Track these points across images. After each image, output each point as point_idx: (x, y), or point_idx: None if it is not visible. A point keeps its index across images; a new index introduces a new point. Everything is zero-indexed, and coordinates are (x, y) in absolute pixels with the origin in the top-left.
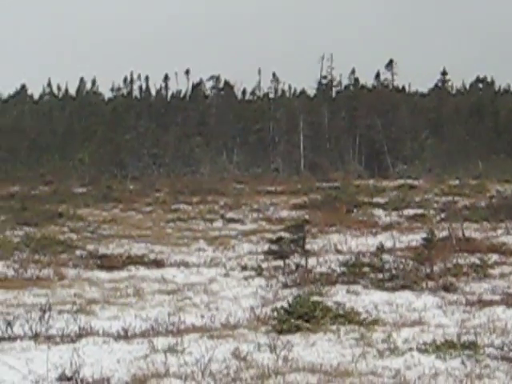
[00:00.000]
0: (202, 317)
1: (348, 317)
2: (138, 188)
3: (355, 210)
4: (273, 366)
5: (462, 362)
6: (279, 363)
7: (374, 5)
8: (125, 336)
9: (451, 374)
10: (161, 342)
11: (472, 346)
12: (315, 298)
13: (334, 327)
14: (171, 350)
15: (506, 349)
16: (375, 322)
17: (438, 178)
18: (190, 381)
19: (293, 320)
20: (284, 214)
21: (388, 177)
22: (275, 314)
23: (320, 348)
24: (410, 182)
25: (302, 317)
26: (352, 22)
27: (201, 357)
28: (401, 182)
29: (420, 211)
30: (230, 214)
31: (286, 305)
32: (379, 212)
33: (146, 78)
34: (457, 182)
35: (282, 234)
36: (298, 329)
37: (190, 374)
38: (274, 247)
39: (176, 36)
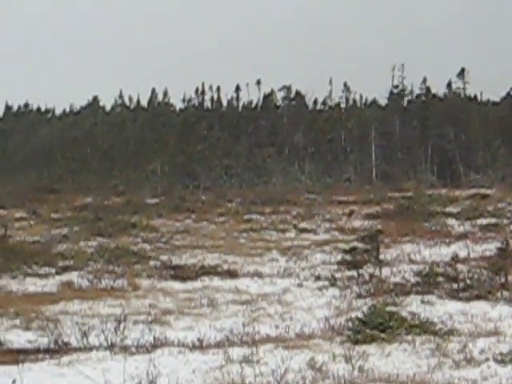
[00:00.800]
0: (277, 327)
1: (423, 327)
2: (210, 198)
3: (428, 220)
4: (349, 376)
5: None
6: (355, 374)
7: (446, 13)
8: (200, 346)
9: None
10: (236, 352)
11: None
12: (390, 309)
13: (409, 337)
14: (246, 360)
15: None
16: (451, 332)
17: (511, 187)
18: None
19: (368, 330)
20: (356, 224)
21: (460, 186)
22: (350, 324)
23: (395, 358)
24: (482, 191)
25: (376, 327)
26: (423, 31)
27: (276, 367)
28: (473, 191)
29: (493, 220)
30: (302, 224)
31: (360, 315)
32: (452, 222)
33: (218, 89)
34: None
35: (356, 243)
36: (373, 339)
37: None
38: (348, 257)
39: (247, 47)
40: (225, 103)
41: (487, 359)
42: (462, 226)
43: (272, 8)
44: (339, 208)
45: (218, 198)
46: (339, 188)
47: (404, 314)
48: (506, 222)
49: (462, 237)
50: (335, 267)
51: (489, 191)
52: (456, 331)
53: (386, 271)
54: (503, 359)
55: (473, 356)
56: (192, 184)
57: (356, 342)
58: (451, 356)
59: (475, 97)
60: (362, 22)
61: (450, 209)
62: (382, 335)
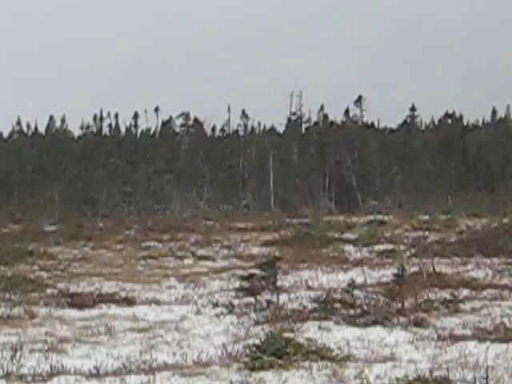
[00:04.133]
0: (174, 354)
1: (320, 353)
2: (108, 226)
3: (326, 246)
4: None
5: None
6: None
7: (342, 41)
8: (97, 374)
9: None
10: (133, 380)
11: (445, 381)
12: (287, 335)
13: (306, 364)
14: None
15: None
16: (347, 358)
17: (408, 213)
18: None
19: (265, 357)
20: (255, 250)
21: (358, 213)
22: (247, 351)
23: None
24: (380, 217)
25: (274, 354)
26: (321, 58)
27: None
28: (371, 217)
29: (390, 247)
30: (200, 251)
31: (258, 342)
32: (350, 248)
33: (116, 116)
34: (427, 217)
35: (254, 270)
36: (270, 366)
37: None
38: (246, 284)
39: (145, 73)
40: (123, 130)
41: None
42: (359, 252)
43: (169, 33)
44: (238, 235)
45: (117, 226)
46: (238, 215)
47: (301, 340)
48: (403, 247)
49: (359, 263)
50: (233, 294)
51: (386, 217)
52: (352, 357)
53: (283, 298)
54: None
55: (369, 381)
56: (90, 211)
57: (253, 369)
58: (348, 382)
59: (372, 124)
60: (260, 48)
61: (348, 235)
62: (279, 361)
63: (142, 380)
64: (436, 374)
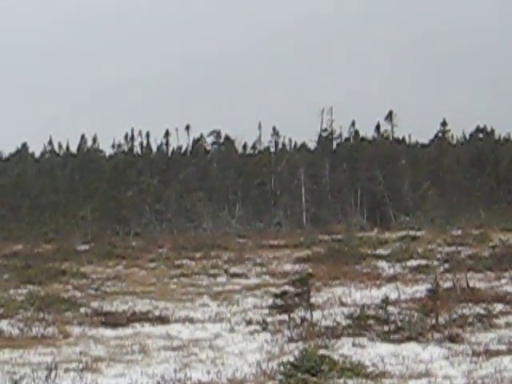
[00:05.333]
0: (208, 372)
1: (355, 370)
2: (140, 244)
3: (359, 263)
4: None
5: None
6: None
7: (372, 56)
8: None
9: None
10: None
11: None
12: (321, 352)
13: (341, 381)
14: None
15: None
16: (382, 374)
17: (441, 228)
18: None
19: (299, 374)
20: (287, 267)
21: (390, 228)
22: (282, 368)
23: None
24: (412, 233)
25: (308, 371)
26: (351, 74)
27: None
28: (403, 233)
29: (423, 262)
30: (233, 269)
31: (292, 359)
32: (382, 264)
33: (147, 135)
34: (459, 232)
35: (287, 287)
36: (305, 383)
37: None
38: (279, 301)
39: (176, 91)
40: (154, 149)
41: None
42: (392, 268)
43: (198, 52)
44: (270, 252)
45: (149, 244)
46: (270, 232)
47: (335, 357)
48: (436, 263)
49: (393, 279)
50: (266, 311)
51: (418, 233)
52: (387, 373)
53: (317, 314)
54: None
55: None
56: (122, 230)
57: None
58: None
59: (403, 139)
60: (289, 64)
61: (380, 251)
62: (314, 379)
63: None
64: None
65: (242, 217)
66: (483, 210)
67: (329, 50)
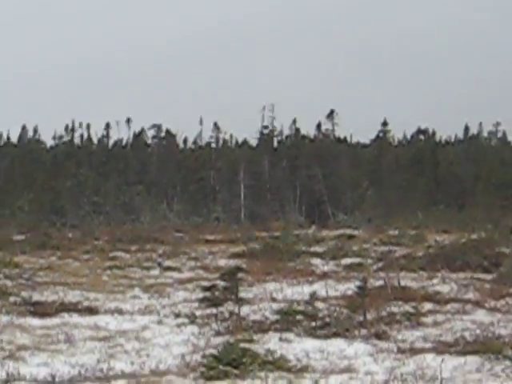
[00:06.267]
0: (132, 363)
1: (277, 364)
2: (77, 236)
3: (293, 259)
4: None
5: None
6: None
7: (315, 56)
8: (52, 382)
9: None
10: None
11: None
12: (244, 345)
13: (262, 374)
14: None
15: None
16: (305, 369)
17: (378, 228)
18: None
19: (221, 367)
20: (222, 262)
21: (328, 226)
22: (205, 360)
23: None
24: (349, 231)
25: (230, 363)
26: (293, 73)
27: None
28: (340, 231)
29: (357, 260)
30: (167, 263)
31: (215, 352)
32: (317, 261)
33: (88, 127)
34: (396, 232)
35: (218, 282)
36: (226, 375)
37: None
38: (207, 295)
39: (118, 85)
40: (95, 141)
41: None
42: (326, 266)
43: (140, 46)
44: (206, 247)
45: (85, 236)
46: (207, 227)
47: (261, 351)
48: (370, 261)
49: (325, 276)
50: (196, 305)
51: (355, 232)
52: (310, 368)
53: (247, 309)
54: None
55: None
56: (60, 221)
57: (209, 379)
58: None
59: (345, 139)
60: (233, 62)
61: (316, 248)
62: (235, 371)
63: None
64: None
65: (180, 211)
66: (421, 211)
67: (273, 47)
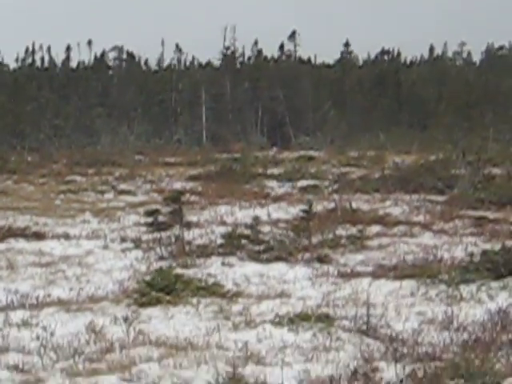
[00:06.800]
0: (71, 290)
1: (211, 289)
2: (35, 160)
3: (250, 182)
4: (125, 338)
5: (314, 335)
6: (131, 337)
7: None
8: None
9: (300, 347)
10: (17, 315)
11: (326, 318)
12: (179, 271)
13: (194, 300)
14: (25, 324)
15: (360, 321)
16: (238, 294)
17: (339, 149)
18: (33, 355)
19: (154, 293)
20: (178, 185)
21: (290, 148)
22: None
23: (177, 321)
24: (310, 153)
25: (163, 289)
26: None
27: (53, 331)
28: (301, 153)
29: (314, 182)
30: (122, 186)
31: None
32: (273, 183)
33: (48, 49)
34: (356, 153)
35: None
36: (158, 301)
37: (35, 347)
38: (149, 219)
39: (77, 5)
40: (57, 63)
41: (265, 321)
42: (282, 188)
43: None
44: (164, 170)
45: (44, 160)
46: (169, 149)
47: (201, 275)
48: (326, 183)
49: (280, 198)
50: (145, 229)
51: (316, 153)
52: (246, 294)
53: (195, 233)
54: (280, 321)
55: (253, 318)
56: (20, 145)
57: (142, 305)
58: (232, 319)
59: (309, 60)
60: None
61: (274, 170)
62: (167, 298)
63: (24, 315)
64: (322, 310)
65: (141, 134)
66: (383, 132)
67: None
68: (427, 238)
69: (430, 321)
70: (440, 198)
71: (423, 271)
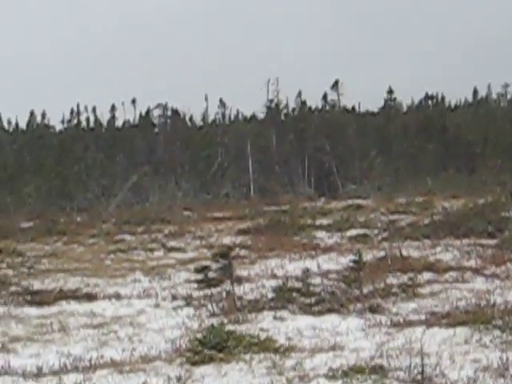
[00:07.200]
0: (124, 350)
1: (263, 345)
2: (84, 220)
3: (298, 233)
4: None
5: None
6: None
7: (316, 25)
8: (36, 374)
9: None
10: (70, 378)
11: (380, 369)
12: (230, 328)
13: (247, 356)
14: None
15: (414, 371)
16: (292, 348)
17: (387, 196)
18: None
19: (206, 350)
20: (227, 240)
21: (337, 197)
22: (190, 345)
23: (231, 378)
24: (357, 202)
25: (214, 347)
26: (296, 44)
27: None
28: (349, 202)
29: (363, 231)
30: (172, 243)
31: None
32: (322, 234)
33: (94, 109)
34: (404, 200)
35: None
36: (211, 359)
37: None
38: (200, 276)
39: (121, 66)
40: (102, 123)
41: (319, 375)
42: (331, 238)
43: (140, 23)
44: (213, 224)
45: (93, 220)
46: (216, 204)
47: (253, 331)
48: (375, 232)
49: (330, 249)
50: (196, 286)
51: (364, 202)
52: (298, 347)
53: (246, 288)
54: (334, 375)
55: (306, 373)
56: (68, 206)
57: (194, 364)
58: (286, 374)
59: (353, 108)
60: (235, 38)
61: (323, 221)
62: (220, 355)
63: (77, 378)
64: (376, 361)
65: (188, 189)
66: (430, 177)
67: (273, 21)
68: (479, 283)
69: (485, 368)
70: (491, 242)
71: (476, 317)
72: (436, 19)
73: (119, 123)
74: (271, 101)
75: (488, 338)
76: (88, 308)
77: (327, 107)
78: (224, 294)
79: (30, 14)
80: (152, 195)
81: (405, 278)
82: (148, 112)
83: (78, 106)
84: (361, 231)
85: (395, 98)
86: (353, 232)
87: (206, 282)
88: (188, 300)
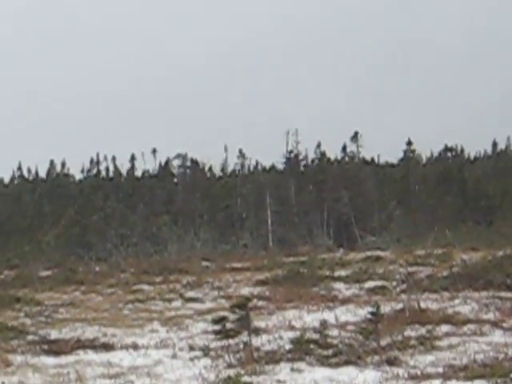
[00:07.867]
0: None
1: None
2: (103, 269)
3: (317, 285)
4: None
5: None
6: None
7: (335, 77)
8: None
9: None
10: None
11: None
12: (248, 379)
13: None
14: None
15: None
16: None
17: (406, 248)
18: None
19: None
20: (245, 291)
21: (356, 249)
22: None
23: None
24: (377, 253)
25: None
26: (315, 95)
27: None
28: (368, 253)
29: (381, 283)
30: (190, 294)
31: None
32: (340, 285)
33: (113, 159)
34: (423, 251)
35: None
36: None
37: None
38: (217, 327)
39: (141, 115)
40: (121, 173)
41: None
42: (349, 290)
43: (160, 75)
44: (231, 275)
45: (112, 269)
46: (235, 255)
47: (270, 383)
48: (393, 284)
49: (348, 301)
50: (213, 337)
51: (382, 253)
52: None
53: (263, 339)
54: None
55: None
56: (87, 255)
57: None
58: None
59: (372, 160)
60: (254, 88)
61: (341, 272)
62: None
63: None
64: None
65: (207, 240)
66: (449, 229)
67: (291, 70)
68: (497, 336)
69: None
70: (510, 295)
71: (494, 371)
72: (454, 73)
73: (139, 173)
74: (290, 152)
75: None
76: (105, 358)
77: (346, 159)
78: (241, 345)
79: (51, 64)
80: (170, 245)
81: (423, 331)
82: (167, 162)
83: (97, 155)
84: (379, 283)
85: (414, 150)
86: (371, 284)
87: (224, 333)
88: (205, 351)
